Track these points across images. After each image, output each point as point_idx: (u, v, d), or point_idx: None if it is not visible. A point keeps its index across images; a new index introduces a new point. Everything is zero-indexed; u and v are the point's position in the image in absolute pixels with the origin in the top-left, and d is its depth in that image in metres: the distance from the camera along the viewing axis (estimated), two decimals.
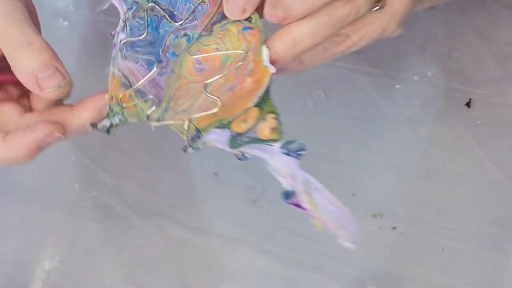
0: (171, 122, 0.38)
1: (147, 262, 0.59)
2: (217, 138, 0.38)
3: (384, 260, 0.58)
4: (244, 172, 0.62)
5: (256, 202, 0.61)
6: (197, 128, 0.37)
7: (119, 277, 0.59)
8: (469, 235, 0.58)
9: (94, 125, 0.40)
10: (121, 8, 0.39)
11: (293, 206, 0.37)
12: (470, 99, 0.62)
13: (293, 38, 0.37)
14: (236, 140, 0.38)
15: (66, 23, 0.69)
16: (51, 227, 0.61)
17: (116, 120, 0.39)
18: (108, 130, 0.40)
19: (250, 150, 0.37)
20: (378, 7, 0.38)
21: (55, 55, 0.40)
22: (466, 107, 0.62)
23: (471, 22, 0.63)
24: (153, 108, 0.37)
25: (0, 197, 0.63)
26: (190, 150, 0.38)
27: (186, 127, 0.37)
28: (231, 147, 0.38)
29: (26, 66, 0.39)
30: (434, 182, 0.60)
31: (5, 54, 0.40)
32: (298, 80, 0.65)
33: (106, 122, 0.39)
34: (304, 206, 0.37)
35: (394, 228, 0.59)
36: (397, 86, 0.63)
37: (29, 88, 0.40)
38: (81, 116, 0.41)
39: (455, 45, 0.63)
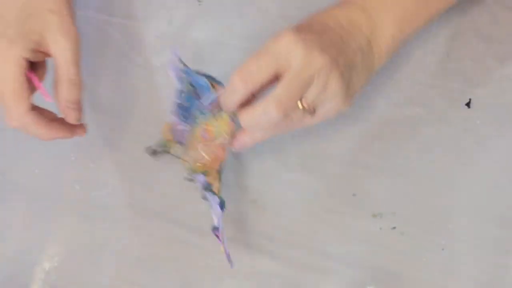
0: (180, 159, 0.60)
1: (147, 262, 0.60)
2: (199, 179, 0.58)
3: (384, 260, 0.58)
4: (244, 172, 0.62)
5: (256, 202, 0.61)
6: (193, 169, 0.59)
7: (119, 277, 0.59)
8: (469, 235, 0.58)
9: (148, 148, 0.61)
10: (178, 84, 0.59)
11: (217, 236, 0.55)
12: (470, 99, 0.62)
13: (251, 137, 0.56)
14: (207, 186, 0.58)
15: None
16: (51, 227, 0.61)
17: (159, 150, 0.61)
18: (153, 153, 0.61)
19: (209, 196, 0.57)
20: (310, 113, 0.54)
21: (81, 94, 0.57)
22: (466, 107, 0.62)
23: (471, 22, 0.63)
24: (179, 148, 0.60)
25: (0, 197, 0.63)
26: (187, 178, 0.59)
27: (187, 167, 0.59)
28: (204, 189, 0.57)
29: (63, 94, 0.55)
30: (434, 182, 0.60)
31: (55, 75, 0.55)
32: None
33: (156, 148, 0.61)
34: (220, 238, 0.55)
35: (394, 228, 0.59)
36: (397, 86, 0.63)
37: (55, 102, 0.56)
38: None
39: (455, 45, 0.63)
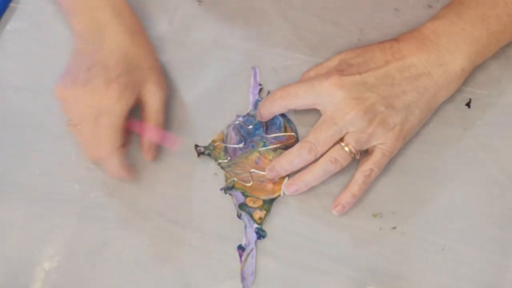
0: (225, 173, 0.62)
1: (147, 262, 0.59)
2: (236, 196, 0.61)
3: (384, 260, 0.58)
4: None
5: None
6: (233, 185, 0.61)
7: (119, 277, 0.59)
8: (469, 235, 0.58)
9: (196, 146, 0.63)
10: (251, 108, 0.64)
11: (239, 253, 0.58)
12: (470, 99, 0.62)
13: (302, 180, 0.59)
14: (243, 206, 0.60)
15: (66, 21, 0.69)
16: (51, 227, 0.61)
17: (205, 152, 0.62)
18: (199, 154, 0.63)
19: (244, 216, 0.60)
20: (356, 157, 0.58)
21: None
22: (466, 107, 0.62)
23: None
24: (226, 160, 0.62)
25: (0, 197, 0.63)
26: (223, 191, 0.61)
27: (230, 181, 0.61)
28: (238, 207, 0.60)
29: (150, 136, 0.61)
30: (434, 182, 0.60)
31: (146, 120, 0.62)
32: (298, 80, 0.65)
33: (203, 150, 0.62)
34: (242, 257, 0.58)
35: (394, 228, 0.59)
36: None
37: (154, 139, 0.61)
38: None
39: None
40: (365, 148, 0.58)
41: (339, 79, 0.56)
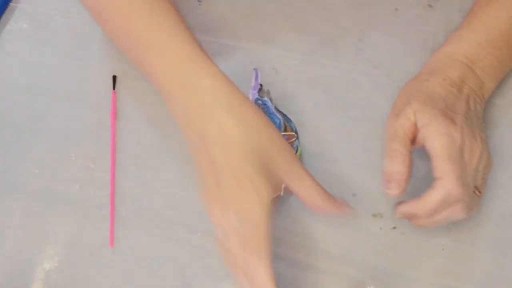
0: None
1: (147, 262, 0.59)
2: None
3: (384, 260, 0.58)
4: None
5: None
6: None
7: (119, 277, 0.59)
8: (469, 235, 0.58)
9: None
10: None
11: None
12: None
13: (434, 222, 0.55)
14: None
15: (66, 21, 0.69)
16: (51, 227, 0.61)
17: None
18: None
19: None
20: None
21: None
22: None
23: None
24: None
25: (0, 197, 0.63)
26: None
27: None
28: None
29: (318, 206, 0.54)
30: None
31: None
32: (298, 80, 0.65)
33: None
34: None
35: (394, 228, 0.59)
36: (397, 86, 0.63)
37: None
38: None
39: None
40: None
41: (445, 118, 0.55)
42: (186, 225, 0.60)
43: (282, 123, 0.62)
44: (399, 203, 0.56)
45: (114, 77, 0.66)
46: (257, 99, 0.63)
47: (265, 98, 0.62)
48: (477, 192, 0.54)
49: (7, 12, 0.70)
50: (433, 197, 0.53)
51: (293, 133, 0.61)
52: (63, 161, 0.64)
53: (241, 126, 0.51)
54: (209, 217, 0.52)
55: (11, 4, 0.71)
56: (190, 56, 0.53)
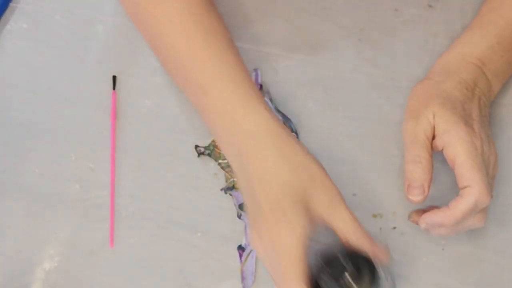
0: (225, 173, 0.61)
1: (147, 262, 0.59)
2: (236, 196, 0.60)
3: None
4: None
5: None
6: (233, 185, 0.60)
7: (119, 277, 0.59)
8: (468, 235, 0.58)
9: (196, 146, 0.62)
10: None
11: (239, 253, 0.59)
12: None
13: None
14: (243, 206, 0.59)
15: (66, 21, 0.69)
16: (51, 227, 0.61)
17: (205, 152, 0.62)
18: (199, 154, 0.62)
19: (245, 217, 0.59)
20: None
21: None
22: None
23: (471, 22, 0.63)
24: (226, 160, 0.60)
25: (0, 197, 0.63)
26: (223, 191, 0.61)
27: (230, 181, 0.61)
28: (238, 207, 0.60)
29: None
30: (434, 182, 0.60)
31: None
32: (298, 80, 0.65)
33: (203, 150, 0.62)
34: (242, 257, 0.58)
35: (394, 228, 0.59)
36: (397, 86, 0.63)
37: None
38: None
39: None
40: None
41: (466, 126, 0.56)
42: (186, 225, 0.60)
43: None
44: (417, 211, 0.56)
45: (114, 77, 0.66)
46: None
47: (265, 98, 0.62)
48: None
49: (7, 12, 0.70)
50: (462, 206, 0.52)
51: (293, 133, 0.62)
52: (63, 161, 0.64)
53: (285, 166, 0.52)
54: (254, 249, 0.57)
55: (11, 4, 0.71)
56: (242, 103, 0.55)
